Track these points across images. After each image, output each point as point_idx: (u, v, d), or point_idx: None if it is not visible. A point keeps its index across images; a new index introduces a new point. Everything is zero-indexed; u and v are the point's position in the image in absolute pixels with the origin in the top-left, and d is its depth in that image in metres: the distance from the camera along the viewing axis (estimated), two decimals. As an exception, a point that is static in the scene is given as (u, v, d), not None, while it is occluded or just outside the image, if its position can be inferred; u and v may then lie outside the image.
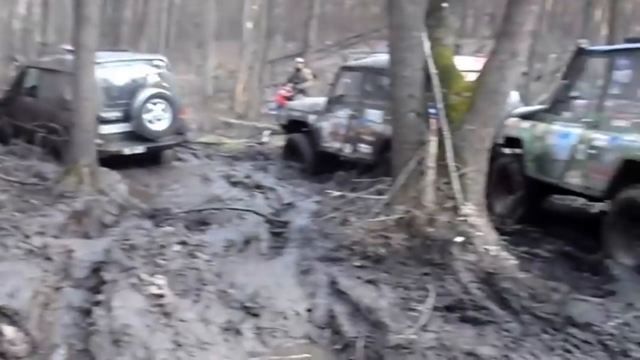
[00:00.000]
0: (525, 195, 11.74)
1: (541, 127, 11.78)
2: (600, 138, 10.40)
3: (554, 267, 9.79)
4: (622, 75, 10.54)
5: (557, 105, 11.68)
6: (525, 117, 12.26)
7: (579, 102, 11.33)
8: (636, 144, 9.76)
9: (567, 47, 24.26)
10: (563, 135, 11.23)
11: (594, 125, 10.66)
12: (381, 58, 14.02)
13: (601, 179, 10.31)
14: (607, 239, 10.21)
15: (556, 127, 11.45)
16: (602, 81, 10.94)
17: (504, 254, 8.94)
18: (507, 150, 12.31)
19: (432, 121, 9.63)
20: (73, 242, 9.50)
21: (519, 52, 9.33)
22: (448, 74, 9.82)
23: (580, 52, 11.55)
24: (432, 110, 9.70)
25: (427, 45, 9.67)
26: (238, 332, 7.59)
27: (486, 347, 7.10)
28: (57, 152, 15.22)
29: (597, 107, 10.77)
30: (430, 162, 9.30)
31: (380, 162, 13.61)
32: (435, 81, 9.60)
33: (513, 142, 12.19)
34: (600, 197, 10.75)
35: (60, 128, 15.11)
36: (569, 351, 7.07)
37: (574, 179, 10.93)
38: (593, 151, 10.49)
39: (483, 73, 9.51)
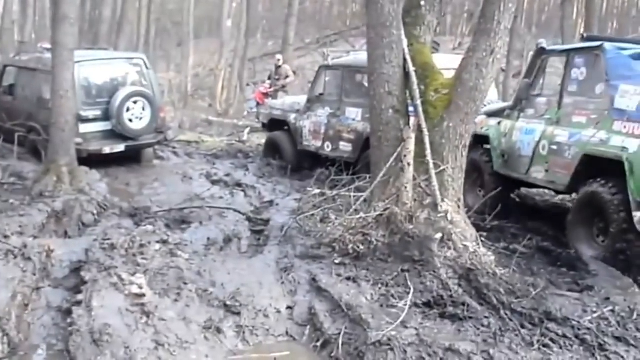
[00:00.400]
0: (495, 190, 11.89)
1: (507, 124, 12.24)
2: (561, 134, 10.93)
3: (531, 263, 9.90)
4: (579, 73, 11.07)
5: (521, 103, 12.13)
6: (491, 114, 12.61)
7: (540, 99, 11.81)
8: (594, 140, 10.24)
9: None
10: (527, 132, 11.70)
11: (555, 122, 11.18)
12: (360, 56, 14.11)
13: (563, 173, 10.81)
14: (570, 232, 10.67)
15: (520, 124, 11.96)
16: (561, 79, 11.43)
17: (483, 250, 9.01)
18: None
19: (411, 118, 9.71)
20: (52, 242, 9.44)
21: (496, 50, 9.35)
22: (426, 71, 9.86)
23: (541, 52, 12.01)
24: (410, 108, 9.79)
25: (405, 43, 9.71)
26: (219, 330, 7.57)
27: (465, 342, 7.13)
28: (36, 151, 15.20)
29: (557, 104, 11.27)
30: (409, 159, 9.32)
31: (361, 160, 13.84)
32: (414, 78, 9.63)
33: (481, 139, 12.45)
34: (564, 191, 11.34)
35: (39, 127, 15.08)
36: (547, 346, 7.13)
37: (538, 174, 11.40)
38: (555, 147, 11.00)
39: (461, 70, 9.52)
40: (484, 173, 12.55)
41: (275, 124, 17.58)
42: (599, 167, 10.20)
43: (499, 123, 12.42)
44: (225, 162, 17.97)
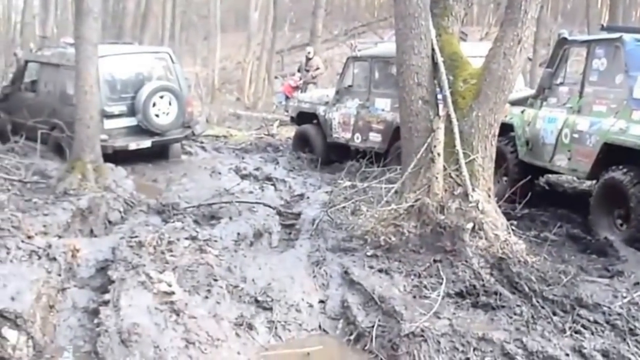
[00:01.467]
0: (519, 178, 11.97)
1: (530, 112, 12.49)
2: (582, 123, 11.21)
3: (562, 250, 9.99)
4: (599, 63, 11.33)
5: (544, 92, 12.38)
6: (515, 103, 12.72)
7: (562, 88, 12.06)
8: (614, 128, 10.54)
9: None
10: (550, 120, 11.96)
11: (577, 111, 11.46)
12: (388, 47, 14.07)
13: (585, 161, 11.10)
14: (592, 218, 10.94)
15: (543, 112, 12.21)
16: (583, 69, 11.72)
17: (514, 238, 9.09)
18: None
19: (440, 109, 9.70)
20: (78, 241, 9.39)
21: (524, 39, 9.37)
22: (455, 61, 9.87)
23: (562, 42, 12.30)
24: (439, 98, 9.79)
25: (433, 34, 9.72)
26: (250, 326, 7.58)
27: (498, 331, 7.22)
28: (59, 148, 15.24)
29: (578, 93, 11.54)
30: (439, 149, 9.36)
31: (391, 150, 13.92)
32: (442, 69, 9.65)
33: (505, 127, 12.43)
34: (586, 178, 11.72)
35: (63, 124, 15.07)
36: (578, 332, 7.21)
37: (561, 162, 11.67)
38: (576, 135, 11.29)
39: (489, 60, 9.54)
40: (508, 161, 12.68)
41: (304, 117, 17.62)
42: (619, 155, 10.48)
43: (522, 112, 12.68)
44: (254, 156, 17.95)
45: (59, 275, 8.30)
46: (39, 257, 8.35)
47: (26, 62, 18.28)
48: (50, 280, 8.04)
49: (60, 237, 9.69)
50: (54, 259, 8.47)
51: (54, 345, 7.15)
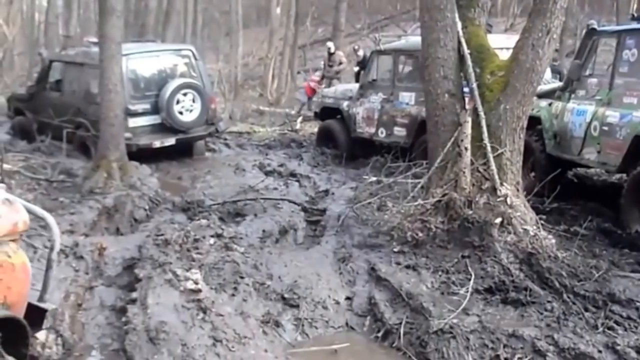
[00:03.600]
0: (546, 171, 11.84)
1: (558, 105, 12.25)
2: (612, 115, 10.94)
3: (593, 245, 9.82)
4: (629, 54, 11.05)
5: (572, 84, 12.13)
6: (542, 95, 12.52)
7: (591, 80, 11.81)
8: None
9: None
10: (578, 113, 11.71)
11: (606, 103, 11.20)
12: (412, 40, 14.04)
13: (615, 154, 10.84)
14: (623, 211, 10.67)
15: (571, 105, 11.96)
16: (612, 60, 11.45)
17: (543, 233, 9.00)
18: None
19: (467, 102, 9.67)
20: (104, 240, 9.48)
21: (552, 30, 9.28)
22: (482, 53, 9.83)
23: (591, 32, 12.09)
24: (466, 91, 9.75)
25: (459, 26, 9.66)
26: (277, 324, 7.64)
27: (529, 328, 7.17)
28: (84, 147, 15.31)
29: (608, 85, 11.29)
30: (466, 143, 9.30)
31: (416, 145, 13.85)
32: (469, 61, 9.60)
33: (532, 120, 12.27)
34: (616, 172, 11.55)
35: (88, 123, 15.16)
36: (611, 328, 7.14)
37: (591, 155, 11.41)
38: (606, 128, 11.02)
39: (517, 52, 9.48)
40: (535, 155, 12.49)
41: (327, 112, 17.55)
42: None
43: (550, 104, 12.46)
44: (278, 152, 17.95)
45: (87, 273, 8.42)
46: (67, 256, 8.46)
47: (51, 61, 18.36)
48: (78, 278, 8.16)
49: (87, 235, 9.82)
50: (82, 257, 8.59)
51: (83, 343, 7.21)
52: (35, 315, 5.26)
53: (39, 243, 8.27)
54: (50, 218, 5.48)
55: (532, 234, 8.83)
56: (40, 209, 5.54)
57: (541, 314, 7.49)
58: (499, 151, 9.33)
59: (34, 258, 7.73)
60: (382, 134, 15.39)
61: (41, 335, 5.88)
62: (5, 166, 12.41)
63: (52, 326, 6.64)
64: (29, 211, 5.30)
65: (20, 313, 5.04)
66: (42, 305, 5.37)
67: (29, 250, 7.90)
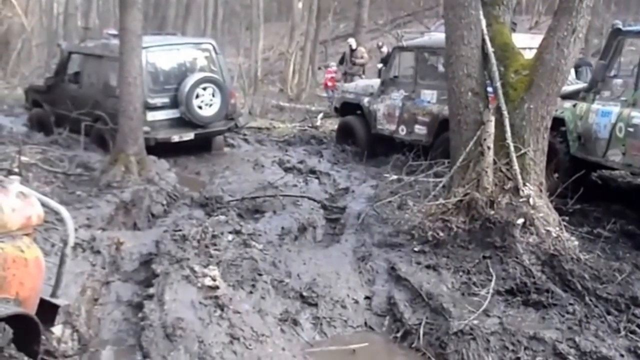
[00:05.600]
0: (570, 173, 11.71)
1: (582, 106, 12.07)
2: (638, 116, 10.78)
3: (616, 247, 9.78)
4: None
5: (596, 85, 11.96)
6: (566, 96, 12.39)
7: (616, 81, 11.66)
8: None
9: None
10: (603, 114, 11.52)
11: (632, 104, 11.03)
12: (435, 37, 14.00)
13: None
14: None
15: (596, 106, 11.78)
16: (638, 60, 11.28)
17: (566, 235, 8.97)
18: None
19: (491, 100, 9.64)
20: (121, 234, 9.52)
21: (578, 29, 9.24)
22: (506, 52, 9.78)
23: (616, 32, 11.92)
24: (490, 90, 9.72)
25: (484, 23, 9.63)
26: (295, 322, 7.65)
27: (550, 330, 7.18)
28: (102, 140, 15.34)
29: (633, 86, 11.13)
30: (489, 142, 9.28)
31: (436, 143, 13.82)
32: (493, 60, 9.57)
33: (556, 121, 12.22)
34: None
35: (106, 116, 15.20)
36: (634, 332, 7.15)
37: (615, 157, 11.25)
38: (632, 129, 10.84)
39: (542, 50, 9.44)
40: (559, 156, 12.39)
41: (347, 108, 17.52)
42: None
43: (574, 105, 12.30)
44: (298, 149, 17.90)
45: (103, 268, 8.47)
46: (84, 250, 8.51)
47: (69, 53, 18.37)
48: (94, 273, 8.21)
49: (104, 230, 9.85)
50: (98, 252, 8.63)
51: (98, 338, 7.25)
52: (48, 311, 5.27)
53: (56, 237, 8.28)
54: (65, 212, 5.50)
55: (554, 235, 8.80)
56: (55, 203, 5.57)
57: (563, 316, 7.48)
58: (523, 151, 9.30)
59: (51, 252, 7.76)
60: (402, 131, 15.33)
61: (57, 329, 5.89)
62: (23, 158, 12.49)
63: (68, 321, 6.67)
64: (44, 204, 5.32)
65: (32, 309, 5.05)
66: (55, 301, 5.39)
67: (45, 245, 7.95)
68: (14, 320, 4.74)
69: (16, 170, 11.21)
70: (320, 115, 23.65)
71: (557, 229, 8.99)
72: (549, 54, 9.30)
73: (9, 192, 4.97)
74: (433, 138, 14.32)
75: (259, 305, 7.61)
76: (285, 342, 7.13)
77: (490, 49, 9.59)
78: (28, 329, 4.88)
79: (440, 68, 14.25)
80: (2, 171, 7.38)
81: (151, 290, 7.62)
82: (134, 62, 13.03)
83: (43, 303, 5.23)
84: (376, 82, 16.95)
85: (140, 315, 7.27)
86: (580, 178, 11.35)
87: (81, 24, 37.41)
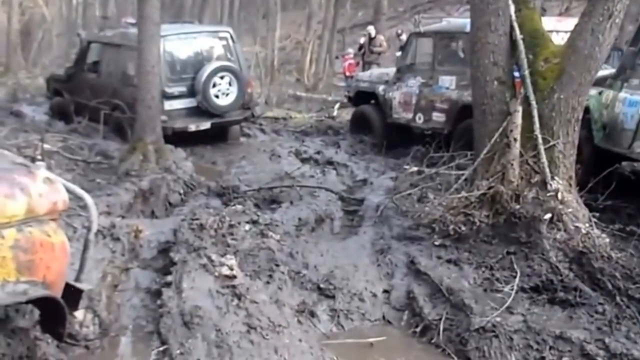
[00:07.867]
0: (594, 165, 11.35)
1: (609, 94, 11.63)
2: None
3: None
4: None
5: (625, 72, 11.54)
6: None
7: None
8: None
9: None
10: (630, 104, 11.09)
11: None
12: (453, 22, 13.91)
13: None
14: None
15: (624, 94, 11.31)
16: None
17: (596, 231, 8.67)
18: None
19: (518, 90, 9.43)
20: (140, 222, 9.63)
21: (615, 14, 8.90)
22: (536, 39, 9.50)
23: None
24: (517, 78, 9.51)
25: (512, 9, 9.38)
26: (312, 314, 7.72)
27: (578, 330, 7.05)
28: (120, 129, 15.49)
29: None
30: (516, 134, 9.05)
31: (456, 131, 13.68)
32: (522, 47, 9.31)
33: None
34: None
35: (124, 104, 15.33)
36: None
37: None
38: None
39: (575, 37, 9.17)
40: (582, 147, 11.55)
41: (362, 97, 17.48)
42: None
43: (600, 93, 11.76)
44: (314, 139, 17.96)
45: (123, 255, 8.58)
46: (104, 237, 8.60)
47: (89, 42, 18.55)
48: (114, 259, 8.33)
49: (123, 217, 9.97)
50: (118, 239, 8.73)
51: (118, 324, 7.37)
52: (72, 295, 5.40)
53: (77, 223, 8.41)
54: (89, 198, 5.62)
55: (584, 232, 8.54)
56: (80, 189, 5.69)
57: (591, 316, 7.34)
58: (551, 143, 9.08)
59: (73, 238, 7.87)
60: (419, 119, 15.21)
61: (79, 314, 6.02)
62: (45, 146, 12.63)
63: (90, 306, 6.77)
64: (69, 191, 5.44)
65: (58, 292, 5.16)
66: (79, 285, 5.51)
67: (68, 230, 8.06)
68: (41, 303, 4.90)
69: (39, 157, 11.34)
70: (337, 105, 23.63)
71: (587, 225, 8.72)
72: (583, 40, 9.00)
73: (37, 178, 5.08)
74: (452, 125, 14.13)
75: (276, 296, 7.64)
76: (302, 333, 7.16)
77: (518, 36, 9.31)
78: (54, 311, 5.03)
79: (460, 53, 14.24)
80: (26, 158, 7.49)
81: (169, 278, 7.72)
82: (152, 50, 13.17)
83: (67, 287, 5.36)
84: (391, 70, 16.86)
85: (158, 302, 7.38)
86: (611, 172, 10.99)
87: (100, 13, 37.51)
